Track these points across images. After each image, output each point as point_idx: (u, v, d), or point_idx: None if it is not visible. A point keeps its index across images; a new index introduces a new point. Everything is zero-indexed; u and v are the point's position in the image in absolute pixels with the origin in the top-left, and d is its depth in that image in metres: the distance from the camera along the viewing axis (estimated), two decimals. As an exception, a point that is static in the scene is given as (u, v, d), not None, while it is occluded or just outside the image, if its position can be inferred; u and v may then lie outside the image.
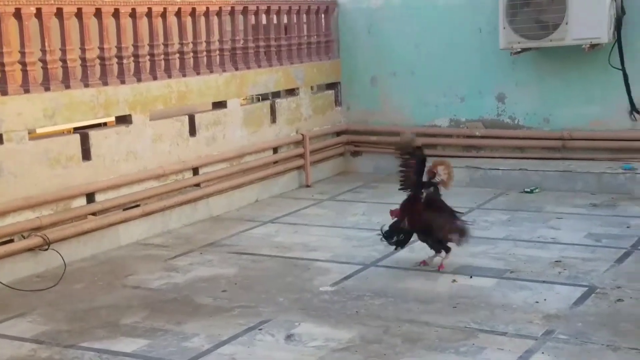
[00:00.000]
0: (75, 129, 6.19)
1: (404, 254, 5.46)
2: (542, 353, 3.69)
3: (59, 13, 5.63)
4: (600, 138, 7.39)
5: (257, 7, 7.44)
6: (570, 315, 4.18)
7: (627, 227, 5.83)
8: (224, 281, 5.04)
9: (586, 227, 5.89)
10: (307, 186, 7.94)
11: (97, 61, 5.97)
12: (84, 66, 5.87)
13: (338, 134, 8.57)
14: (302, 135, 7.90)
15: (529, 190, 7.08)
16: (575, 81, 7.46)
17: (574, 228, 5.89)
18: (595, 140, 7.41)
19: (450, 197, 6.94)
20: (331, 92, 8.50)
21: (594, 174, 7.00)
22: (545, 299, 4.42)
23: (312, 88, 8.30)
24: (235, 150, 7.11)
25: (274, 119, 7.64)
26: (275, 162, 7.64)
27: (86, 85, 5.82)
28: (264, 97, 8.26)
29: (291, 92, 8.02)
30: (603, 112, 7.38)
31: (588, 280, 4.72)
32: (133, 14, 6.19)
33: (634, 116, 7.26)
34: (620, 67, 7.13)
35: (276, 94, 8.24)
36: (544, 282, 4.72)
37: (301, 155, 7.92)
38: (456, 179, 7.40)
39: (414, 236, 5.13)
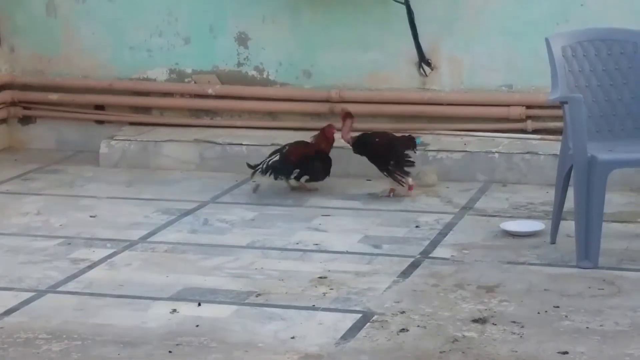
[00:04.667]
0: None
1: (104, 272, 5.47)
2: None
3: None
4: (380, 100, 7.74)
5: None
6: (336, 353, 4.36)
7: (416, 226, 6.17)
8: None
9: (361, 227, 6.15)
10: (-57, 171, 7.69)
11: None
12: None
13: (-3, 89, 8.35)
14: None
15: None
16: (344, 17, 7.72)
17: (345, 229, 6.13)
18: (374, 103, 7.75)
19: (173, 186, 7.08)
20: (-18, 23, 8.25)
21: (373, 151, 7.34)
22: (303, 333, 4.58)
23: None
24: None
25: None
26: None
27: None
28: None
29: None
30: (383, 63, 7.72)
31: (362, 303, 4.94)
32: None
33: (424, 69, 7.69)
34: (403, 1, 7.45)
35: None
36: (302, 308, 4.89)
37: None
38: (182, 159, 7.59)
39: None
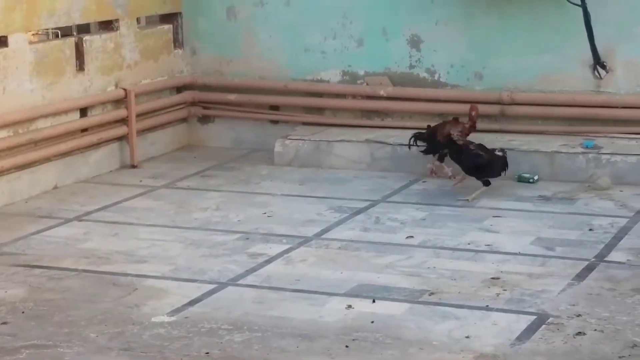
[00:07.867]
0: None
1: (281, 267, 5.52)
2: (475, 411, 3.78)
3: None
4: (552, 103, 7.61)
5: None
6: (512, 354, 4.28)
7: (590, 229, 6.04)
8: (5, 308, 4.95)
9: (534, 229, 6.06)
10: (133, 166, 7.88)
11: None
12: None
13: (179, 89, 8.53)
14: (125, 90, 7.81)
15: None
16: (519, 20, 7.64)
17: (517, 230, 6.04)
18: (546, 105, 7.62)
19: (344, 185, 7.11)
20: (168, 27, 8.43)
21: (544, 153, 7.19)
22: (477, 333, 4.52)
23: (138, 20, 8.18)
24: (22, 112, 6.97)
25: (81, 66, 7.52)
26: (84, 130, 7.55)
27: None
28: (65, 32, 8.05)
29: (107, 25, 7.89)
30: (556, 66, 7.59)
31: (537, 305, 4.84)
32: None
33: (598, 72, 7.50)
34: (580, 3, 7.33)
35: (84, 28, 8.07)
36: (476, 308, 4.83)
37: (123, 121, 7.84)
38: (353, 159, 7.62)
39: None
